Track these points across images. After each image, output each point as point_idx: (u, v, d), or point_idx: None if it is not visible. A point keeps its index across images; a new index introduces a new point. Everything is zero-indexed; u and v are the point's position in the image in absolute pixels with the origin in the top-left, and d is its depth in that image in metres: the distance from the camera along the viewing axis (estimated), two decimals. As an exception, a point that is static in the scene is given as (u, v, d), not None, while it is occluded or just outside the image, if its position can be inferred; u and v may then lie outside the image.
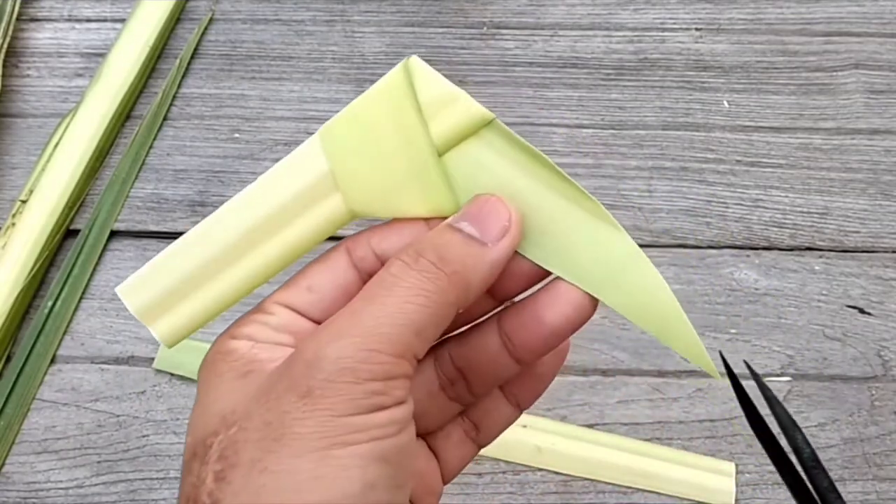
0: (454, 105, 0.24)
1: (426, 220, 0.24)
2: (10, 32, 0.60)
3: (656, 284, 0.24)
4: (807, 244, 0.53)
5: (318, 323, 0.24)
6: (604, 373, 0.49)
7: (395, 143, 0.24)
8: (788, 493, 0.45)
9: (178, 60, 0.59)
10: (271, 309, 0.24)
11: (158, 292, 0.25)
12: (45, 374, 0.49)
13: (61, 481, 0.46)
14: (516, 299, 0.26)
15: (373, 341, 0.21)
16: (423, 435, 0.27)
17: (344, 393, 0.21)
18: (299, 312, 0.24)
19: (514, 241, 0.23)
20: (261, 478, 0.20)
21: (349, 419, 0.20)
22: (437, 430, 0.27)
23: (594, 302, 0.24)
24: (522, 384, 0.27)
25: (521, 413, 0.28)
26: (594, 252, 0.24)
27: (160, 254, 0.25)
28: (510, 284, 0.25)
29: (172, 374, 0.49)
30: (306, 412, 0.20)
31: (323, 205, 0.24)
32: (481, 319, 0.26)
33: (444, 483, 0.27)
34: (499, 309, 0.26)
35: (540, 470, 0.46)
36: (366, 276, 0.24)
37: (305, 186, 0.24)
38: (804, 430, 0.47)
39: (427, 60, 0.24)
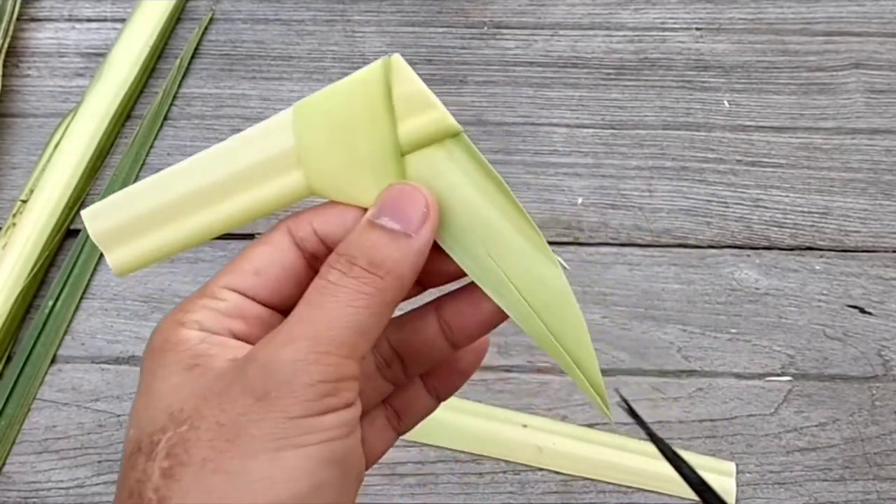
0: (426, 111, 0.24)
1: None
2: (10, 32, 0.60)
3: (578, 327, 0.25)
4: (807, 244, 0.53)
5: (266, 305, 0.25)
6: (604, 373, 0.49)
7: (362, 133, 0.25)
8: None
9: (178, 60, 0.59)
10: (220, 294, 0.24)
11: (118, 223, 0.26)
12: (46, 373, 0.49)
13: (62, 481, 0.46)
14: (453, 286, 0.27)
15: (322, 344, 0.22)
16: None
17: (298, 394, 0.21)
18: (247, 296, 0.25)
19: (434, 224, 0.24)
20: (213, 478, 0.21)
21: (301, 421, 0.21)
22: (364, 415, 0.28)
23: None
24: (444, 378, 0.29)
25: (439, 404, 0.30)
26: (524, 280, 0.25)
27: (126, 189, 0.26)
28: (436, 280, 0.26)
29: (173, 374, 0.49)
30: (261, 414, 0.21)
31: (284, 177, 0.25)
32: (419, 306, 0.27)
33: (366, 468, 0.28)
34: (437, 296, 0.27)
35: (540, 470, 0.46)
36: (309, 256, 0.25)
37: (270, 156, 0.25)
38: (804, 430, 0.47)
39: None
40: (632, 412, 0.26)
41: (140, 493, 0.21)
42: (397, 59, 0.24)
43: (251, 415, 0.21)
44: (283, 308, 0.25)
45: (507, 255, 0.25)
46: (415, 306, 0.28)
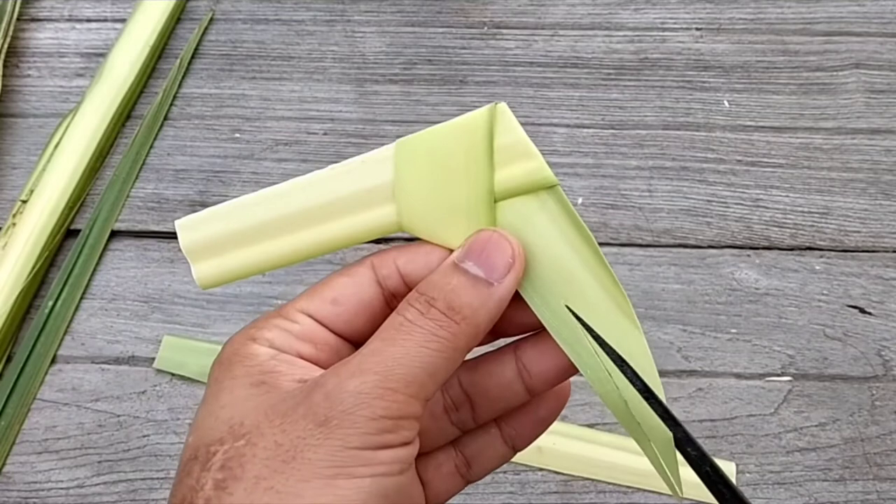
0: (525, 160, 0.25)
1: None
2: (10, 32, 0.60)
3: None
4: (807, 244, 0.53)
5: (339, 335, 0.25)
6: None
7: (459, 176, 0.25)
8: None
9: (178, 60, 0.59)
10: (295, 317, 0.25)
11: (209, 237, 0.26)
12: (46, 374, 0.49)
13: (62, 481, 0.46)
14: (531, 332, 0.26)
15: (390, 380, 0.22)
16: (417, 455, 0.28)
17: (359, 426, 0.21)
18: (322, 323, 0.25)
19: (518, 275, 0.24)
20: (264, 496, 0.21)
21: (358, 452, 0.21)
22: (430, 458, 0.28)
23: None
24: (522, 426, 0.28)
25: (514, 454, 0.29)
26: (604, 339, 0.25)
27: (221, 204, 0.26)
28: (511, 330, 0.26)
29: (173, 374, 0.49)
30: (320, 439, 0.21)
31: (377, 209, 0.25)
32: (496, 348, 0.27)
33: None
34: (516, 339, 0.27)
35: (541, 470, 0.46)
36: (388, 294, 0.25)
37: (366, 187, 0.25)
38: (804, 430, 0.47)
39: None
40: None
41: (191, 501, 0.21)
42: (503, 108, 0.25)
43: (310, 439, 0.21)
44: (353, 340, 0.25)
45: (589, 312, 0.25)
46: (488, 349, 0.27)
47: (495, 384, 0.27)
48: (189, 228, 0.26)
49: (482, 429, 0.28)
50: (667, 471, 0.25)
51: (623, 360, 0.24)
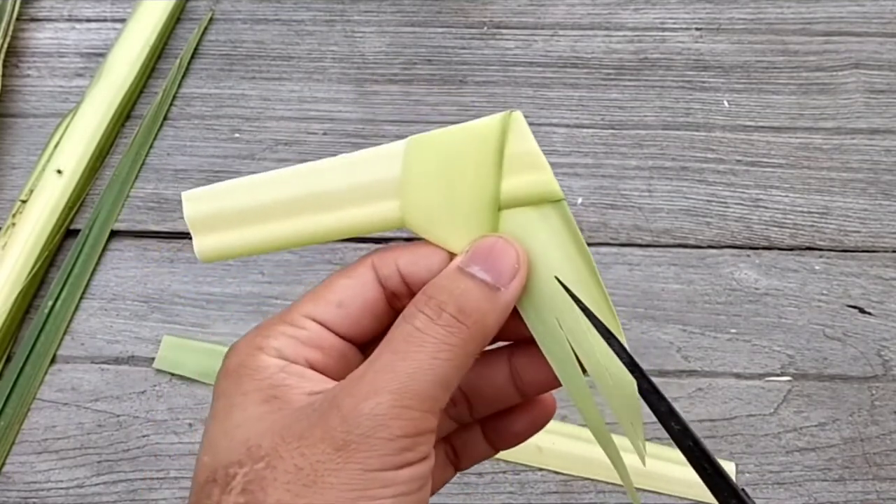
0: (534, 172, 0.25)
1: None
2: (10, 32, 0.60)
3: (634, 420, 0.25)
4: (807, 244, 0.53)
5: (344, 338, 0.25)
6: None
7: (466, 179, 0.25)
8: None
9: (178, 60, 0.59)
10: (301, 322, 0.25)
11: (214, 211, 0.26)
12: (46, 373, 0.49)
13: (61, 481, 0.46)
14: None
15: (405, 398, 0.22)
16: None
17: (378, 448, 0.21)
18: (327, 327, 0.25)
19: (522, 281, 0.24)
20: None
21: (378, 474, 0.21)
22: None
23: None
24: (502, 437, 0.29)
25: (496, 453, 0.29)
26: (590, 361, 0.25)
27: (229, 181, 0.26)
28: (508, 337, 0.26)
29: (172, 374, 0.49)
30: (340, 464, 0.21)
31: (381, 204, 0.25)
32: (491, 349, 0.27)
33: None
34: (508, 343, 0.27)
35: (540, 469, 0.46)
36: (389, 294, 0.25)
37: (373, 180, 0.25)
38: (804, 430, 0.47)
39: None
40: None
41: None
42: (518, 116, 0.25)
43: (330, 463, 0.21)
44: (360, 341, 0.25)
45: (579, 331, 0.25)
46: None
47: (489, 385, 0.27)
48: (195, 200, 0.26)
49: (469, 425, 0.29)
50: (634, 493, 0.26)
51: (609, 334, 0.24)
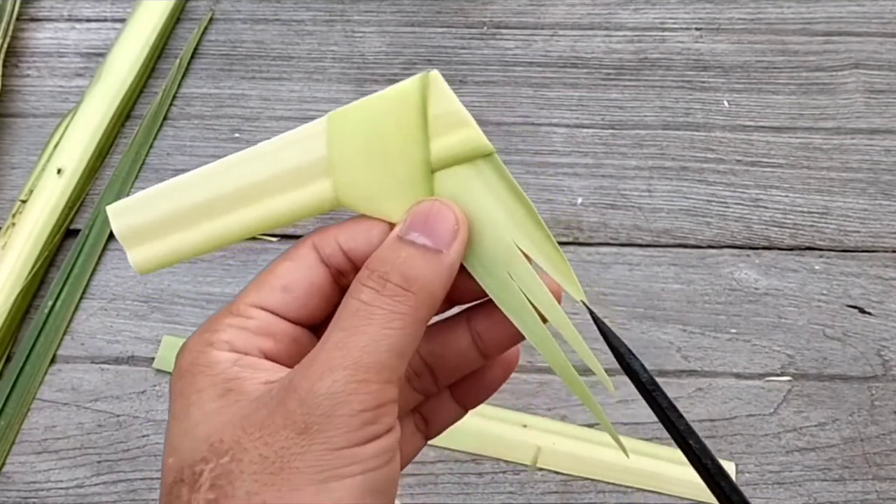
0: (461, 129, 0.25)
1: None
2: (10, 32, 0.60)
3: (585, 354, 0.25)
4: (807, 244, 0.53)
5: (295, 323, 0.25)
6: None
7: (394, 148, 0.24)
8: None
9: (178, 60, 0.59)
10: (248, 312, 0.24)
11: (143, 221, 0.25)
12: (46, 373, 0.49)
13: (61, 481, 0.46)
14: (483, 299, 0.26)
15: (361, 372, 0.22)
16: None
17: (340, 426, 0.21)
18: (275, 313, 0.24)
19: (463, 240, 0.24)
20: None
21: (344, 452, 0.21)
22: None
23: None
24: (471, 390, 0.29)
25: (465, 413, 0.29)
26: (544, 304, 0.25)
27: (152, 188, 0.25)
28: (465, 297, 0.26)
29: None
30: (304, 447, 0.21)
31: (313, 186, 0.25)
32: (449, 316, 0.27)
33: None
34: (466, 307, 0.27)
35: (540, 469, 0.46)
36: (335, 272, 0.25)
37: (300, 164, 0.25)
38: (804, 430, 0.47)
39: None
40: (594, 318, 0.26)
41: None
42: (435, 76, 0.24)
43: (294, 448, 0.21)
44: (310, 324, 0.25)
45: (532, 281, 0.24)
46: (442, 317, 0.27)
47: (452, 352, 0.27)
48: (121, 213, 0.25)
49: (436, 393, 0.28)
50: (612, 429, 0.25)
51: (608, 332, 0.24)
